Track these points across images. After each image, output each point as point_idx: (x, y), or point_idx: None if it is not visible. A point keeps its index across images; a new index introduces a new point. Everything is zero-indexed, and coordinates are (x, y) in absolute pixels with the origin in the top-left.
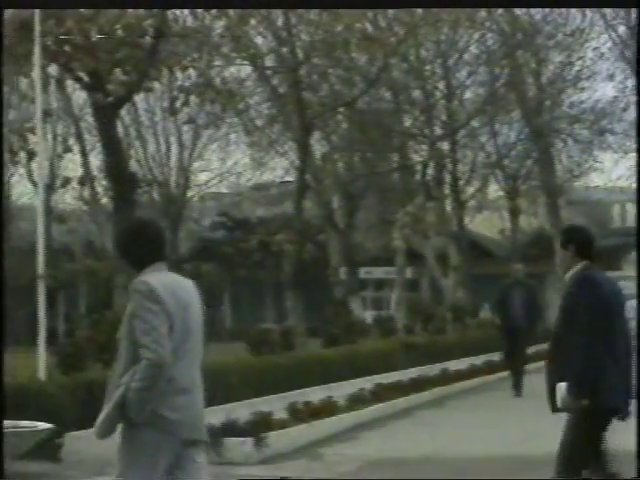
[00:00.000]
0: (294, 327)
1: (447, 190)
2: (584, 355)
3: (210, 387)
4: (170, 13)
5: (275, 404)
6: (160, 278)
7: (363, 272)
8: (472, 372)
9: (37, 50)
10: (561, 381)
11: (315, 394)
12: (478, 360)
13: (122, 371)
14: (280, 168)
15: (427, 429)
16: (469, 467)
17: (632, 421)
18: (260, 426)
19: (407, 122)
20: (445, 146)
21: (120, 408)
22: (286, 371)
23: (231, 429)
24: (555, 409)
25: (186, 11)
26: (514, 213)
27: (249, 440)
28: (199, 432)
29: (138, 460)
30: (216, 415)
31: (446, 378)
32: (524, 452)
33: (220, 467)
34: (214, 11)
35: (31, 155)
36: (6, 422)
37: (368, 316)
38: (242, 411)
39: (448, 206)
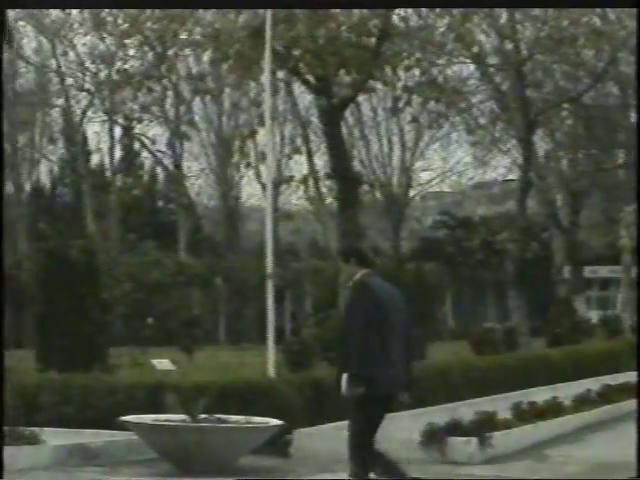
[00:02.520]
0: (517, 326)
1: None
2: (360, 349)
3: (433, 386)
4: (394, 13)
5: (499, 404)
6: None
7: (588, 271)
8: None
9: (267, 55)
10: (344, 372)
11: (540, 394)
12: None
13: None
14: (502, 166)
15: None
16: None
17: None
18: (484, 426)
19: (634, 117)
20: None
21: None
22: (510, 371)
23: (455, 428)
24: (341, 396)
25: (410, 10)
26: None
27: (473, 440)
28: None
29: None
30: (440, 414)
31: None
32: None
33: (443, 466)
34: (437, 9)
35: (260, 156)
36: (239, 417)
37: (593, 316)
38: (466, 411)
39: None
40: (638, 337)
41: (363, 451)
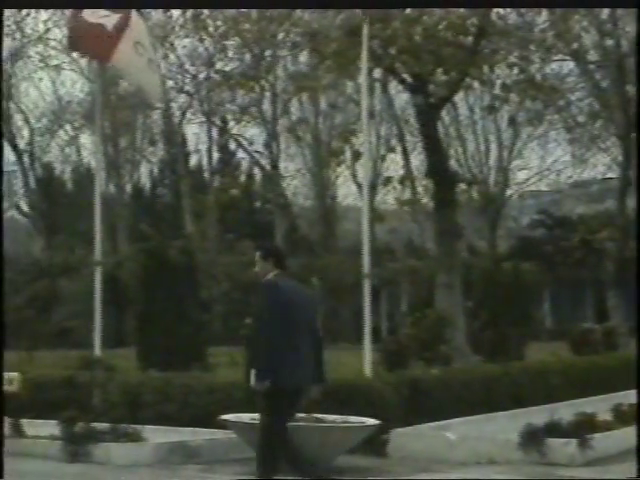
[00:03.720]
0: (617, 327)
1: None
2: (266, 346)
3: (532, 386)
4: (492, 10)
5: (599, 405)
6: None
7: None
8: None
9: (364, 54)
10: (253, 368)
11: None
12: None
13: None
14: (602, 164)
15: None
16: None
17: None
18: (584, 427)
19: None
20: None
21: None
22: (609, 372)
23: (554, 429)
24: (251, 389)
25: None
26: None
27: (573, 441)
28: None
29: None
30: (539, 415)
31: None
32: None
33: (543, 467)
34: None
35: (356, 156)
36: (336, 417)
37: None
38: (565, 411)
39: None
40: (638, 338)
41: (271, 448)
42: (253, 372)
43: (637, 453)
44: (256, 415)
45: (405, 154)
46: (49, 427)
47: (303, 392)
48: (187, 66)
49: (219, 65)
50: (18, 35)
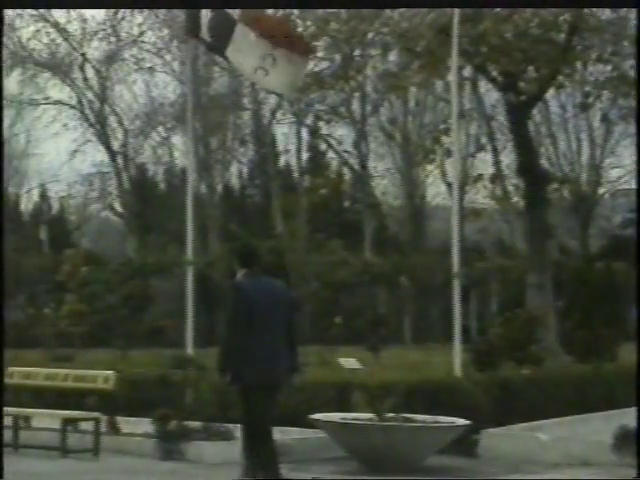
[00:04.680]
0: None
1: None
2: (227, 342)
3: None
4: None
5: None
6: None
7: None
8: None
9: (454, 52)
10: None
11: None
12: None
13: None
14: None
15: None
16: None
17: None
18: None
19: None
20: None
21: None
22: None
23: None
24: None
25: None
26: None
27: None
28: None
29: None
30: (632, 416)
31: None
32: None
33: (636, 470)
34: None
35: (446, 155)
36: (426, 417)
37: None
38: None
39: None
40: (638, 339)
41: (252, 446)
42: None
43: (637, 453)
44: (346, 414)
45: (495, 153)
46: (143, 425)
47: (276, 387)
48: None
49: (309, 65)
50: (113, 39)
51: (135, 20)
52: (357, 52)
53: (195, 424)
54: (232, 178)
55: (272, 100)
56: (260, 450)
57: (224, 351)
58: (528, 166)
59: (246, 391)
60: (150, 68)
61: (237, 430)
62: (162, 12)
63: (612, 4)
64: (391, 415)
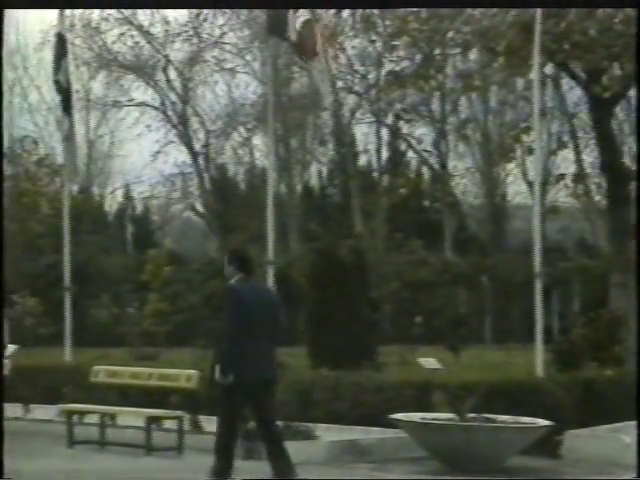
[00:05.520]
0: None
1: None
2: (227, 344)
3: None
4: None
5: None
6: None
7: None
8: None
9: (536, 50)
10: (216, 364)
11: None
12: None
13: None
14: None
15: None
16: None
17: None
18: None
19: None
20: None
21: None
22: None
23: None
24: (214, 383)
25: None
26: None
27: None
28: None
29: None
30: None
31: None
32: None
33: None
34: None
35: (528, 153)
36: (507, 417)
37: None
38: None
39: None
40: (638, 340)
41: (228, 442)
42: (217, 368)
43: (637, 453)
44: (427, 414)
45: (577, 151)
46: None
47: (265, 387)
48: (357, 66)
49: (389, 65)
50: (195, 40)
51: (217, 21)
52: (437, 51)
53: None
54: (312, 178)
55: (352, 100)
56: (274, 451)
57: (226, 353)
58: (611, 164)
59: (239, 387)
60: (231, 69)
61: (318, 429)
62: (243, 12)
63: (612, 4)
64: (472, 415)
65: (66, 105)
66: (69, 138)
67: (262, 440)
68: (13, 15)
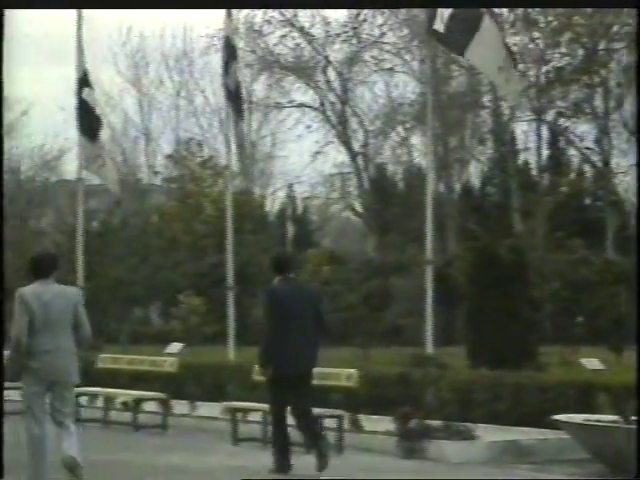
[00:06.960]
0: None
1: None
2: (266, 339)
3: None
4: None
5: None
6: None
7: None
8: None
9: None
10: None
11: None
12: None
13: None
14: None
15: None
16: None
17: None
18: None
19: None
20: None
21: None
22: None
23: None
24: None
25: None
26: None
27: None
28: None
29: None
30: None
31: None
32: None
33: None
34: None
35: None
36: None
37: None
38: None
39: None
40: (638, 341)
41: (280, 436)
42: (258, 364)
43: (637, 453)
44: (589, 416)
45: None
46: (385, 423)
47: (300, 380)
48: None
49: (553, 63)
50: (354, 41)
51: (376, 21)
52: (601, 46)
53: (436, 423)
54: (471, 177)
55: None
56: (314, 443)
57: (264, 348)
58: None
59: (280, 380)
60: (390, 69)
61: (478, 429)
62: (402, 12)
63: (612, 4)
64: (636, 418)
65: (237, 108)
66: (240, 142)
67: (300, 431)
68: (180, 21)
